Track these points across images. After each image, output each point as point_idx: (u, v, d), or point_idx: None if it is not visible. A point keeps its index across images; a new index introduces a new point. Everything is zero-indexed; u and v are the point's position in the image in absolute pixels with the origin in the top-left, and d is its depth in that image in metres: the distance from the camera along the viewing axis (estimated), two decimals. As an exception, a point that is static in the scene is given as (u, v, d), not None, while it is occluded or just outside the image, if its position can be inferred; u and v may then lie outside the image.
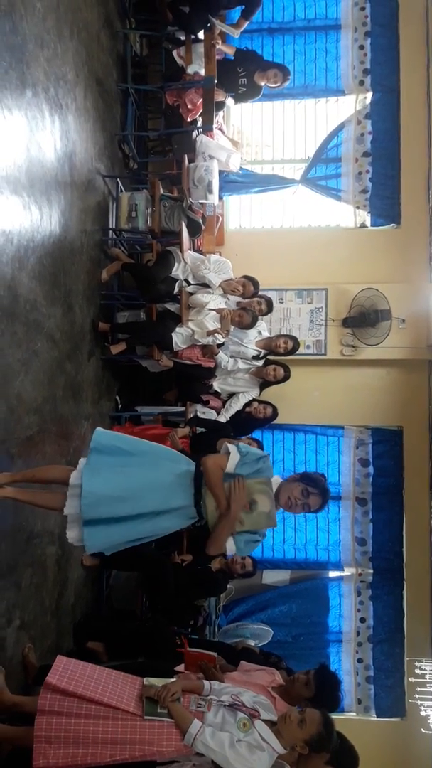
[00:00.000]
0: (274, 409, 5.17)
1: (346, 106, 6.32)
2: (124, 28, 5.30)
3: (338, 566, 5.97)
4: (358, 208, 6.22)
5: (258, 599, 5.79)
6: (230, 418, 5.18)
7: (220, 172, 5.31)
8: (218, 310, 4.78)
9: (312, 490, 2.74)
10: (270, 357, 5.28)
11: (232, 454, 2.75)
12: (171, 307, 4.86)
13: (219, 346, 4.93)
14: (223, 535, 2.72)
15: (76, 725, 2.36)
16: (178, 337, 4.72)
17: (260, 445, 4.84)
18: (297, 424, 5.99)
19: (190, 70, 5.27)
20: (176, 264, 4.78)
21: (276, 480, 2.82)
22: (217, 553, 2.84)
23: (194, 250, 5.16)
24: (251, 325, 4.98)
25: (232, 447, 2.79)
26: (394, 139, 6.12)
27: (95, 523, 2.63)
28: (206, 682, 2.66)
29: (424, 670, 5.17)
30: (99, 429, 2.85)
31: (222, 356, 5.05)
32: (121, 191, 5.06)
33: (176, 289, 4.82)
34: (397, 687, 5.75)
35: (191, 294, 4.85)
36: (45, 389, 3.48)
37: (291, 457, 6.04)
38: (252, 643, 4.84)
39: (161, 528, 2.77)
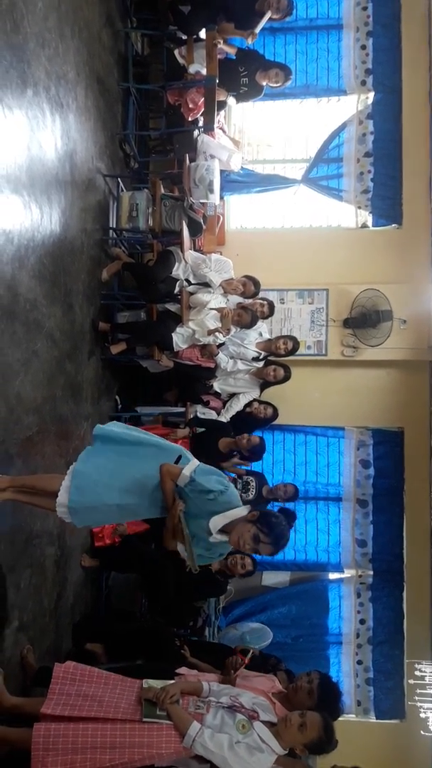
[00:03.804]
0: (275, 409, 5.15)
1: (348, 106, 6.31)
2: (125, 27, 5.29)
3: (338, 568, 5.96)
4: (359, 208, 6.21)
5: (257, 601, 5.78)
6: (230, 418, 5.17)
7: (222, 172, 5.29)
8: (219, 310, 4.76)
9: (264, 539, 2.55)
10: (270, 358, 5.27)
11: (183, 473, 2.64)
12: (171, 307, 4.84)
13: (219, 346, 4.92)
14: (166, 534, 2.70)
15: (74, 731, 2.36)
16: (179, 337, 4.71)
17: (263, 441, 4.82)
18: (297, 424, 5.98)
19: (191, 69, 5.25)
20: (177, 264, 4.77)
21: (238, 512, 2.64)
22: (170, 548, 2.75)
23: (195, 250, 5.15)
24: (251, 324, 4.96)
25: (188, 467, 2.67)
26: (395, 139, 6.10)
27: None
28: (205, 684, 2.65)
29: (424, 672, 5.16)
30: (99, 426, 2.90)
31: (222, 357, 5.04)
32: (122, 190, 5.05)
33: (177, 289, 4.80)
34: (396, 689, 5.74)
35: (192, 294, 4.84)
36: (45, 389, 3.47)
37: (291, 458, 6.03)
38: (252, 645, 4.83)
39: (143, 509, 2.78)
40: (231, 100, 5.54)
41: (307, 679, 2.82)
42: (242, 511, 2.62)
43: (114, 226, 5.00)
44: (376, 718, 5.77)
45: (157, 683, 2.55)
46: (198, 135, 5.22)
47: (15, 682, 3.02)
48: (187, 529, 2.59)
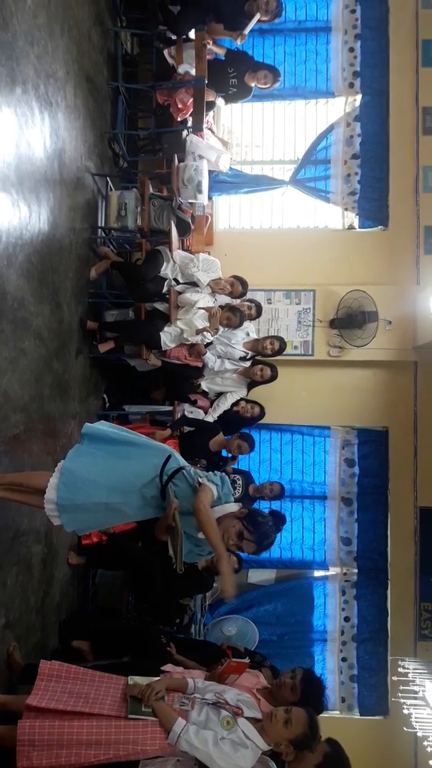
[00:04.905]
0: (262, 408, 5.18)
1: (336, 108, 6.35)
2: (115, 26, 5.29)
3: (323, 565, 6.00)
4: (346, 209, 6.26)
5: (243, 598, 5.80)
6: (218, 417, 5.19)
7: (210, 172, 5.31)
8: (207, 309, 4.78)
9: (248, 536, 2.61)
10: (258, 357, 5.30)
11: (213, 490, 2.65)
12: (160, 306, 4.86)
13: (206, 345, 4.94)
14: (159, 528, 2.71)
15: (60, 727, 2.37)
16: (167, 336, 4.72)
17: (252, 439, 4.87)
18: (284, 424, 6.01)
19: (180, 69, 5.27)
20: (165, 263, 4.78)
21: (229, 507, 2.71)
22: (162, 539, 2.77)
23: (183, 250, 5.17)
24: (239, 324, 4.99)
25: (208, 485, 2.67)
26: (382, 141, 6.16)
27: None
28: (190, 681, 2.67)
29: (407, 668, 5.20)
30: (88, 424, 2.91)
31: (209, 357, 5.07)
32: (111, 190, 5.05)
33: (165, 288, 4.82)
34: (380, 686, 5.80)
35: (180, 293, 4.85)
36: (32, 387, 3.47)
37: (278, 456, 6.06)
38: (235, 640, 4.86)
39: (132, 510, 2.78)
40: (220, 101, 5.57)
41: (290, 674, 2.86)
42: (233, 507, 2.68)
43: (102, 225, 5.00)
44: (360, 715, 5.82)
45: (142, 680, 2.56)
46: (187, 135, 5.24)
47: (0, 680, 3.02)
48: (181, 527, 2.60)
